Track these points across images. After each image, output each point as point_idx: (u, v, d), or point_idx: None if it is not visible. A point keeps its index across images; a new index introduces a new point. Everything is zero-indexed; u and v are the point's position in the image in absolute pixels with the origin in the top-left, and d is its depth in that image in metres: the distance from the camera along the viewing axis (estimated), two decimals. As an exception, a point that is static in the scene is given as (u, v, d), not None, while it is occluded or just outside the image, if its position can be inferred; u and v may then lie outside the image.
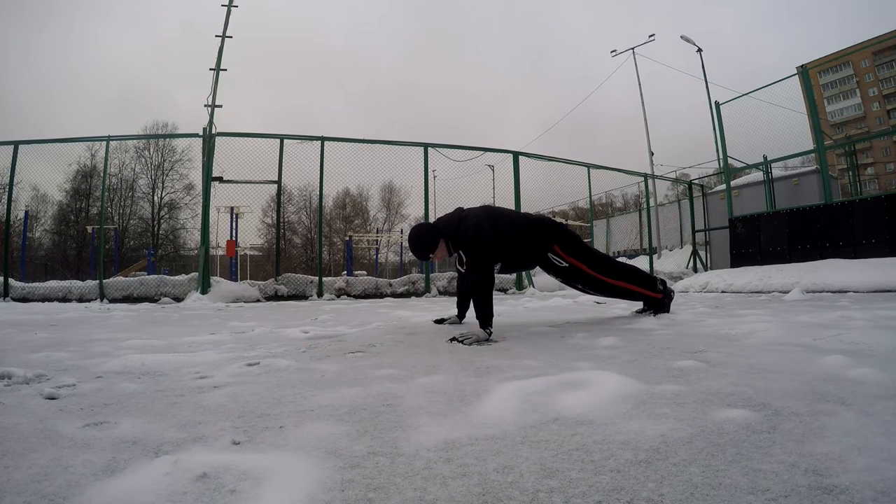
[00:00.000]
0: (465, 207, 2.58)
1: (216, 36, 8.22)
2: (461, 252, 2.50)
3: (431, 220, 7.95)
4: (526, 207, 9.23)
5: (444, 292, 8.03)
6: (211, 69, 8.14)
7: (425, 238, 2.43)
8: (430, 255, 2.45)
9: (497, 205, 10.02)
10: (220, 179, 7.50)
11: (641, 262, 11.74)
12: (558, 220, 3.34)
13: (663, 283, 2.91)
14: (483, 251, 2.28)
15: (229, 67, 8.32)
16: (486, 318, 2.12)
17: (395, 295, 7.83)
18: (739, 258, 8.39)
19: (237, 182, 7.69)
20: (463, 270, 2.65)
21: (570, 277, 2.69)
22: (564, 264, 2.63)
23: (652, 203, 12.59)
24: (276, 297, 7.34)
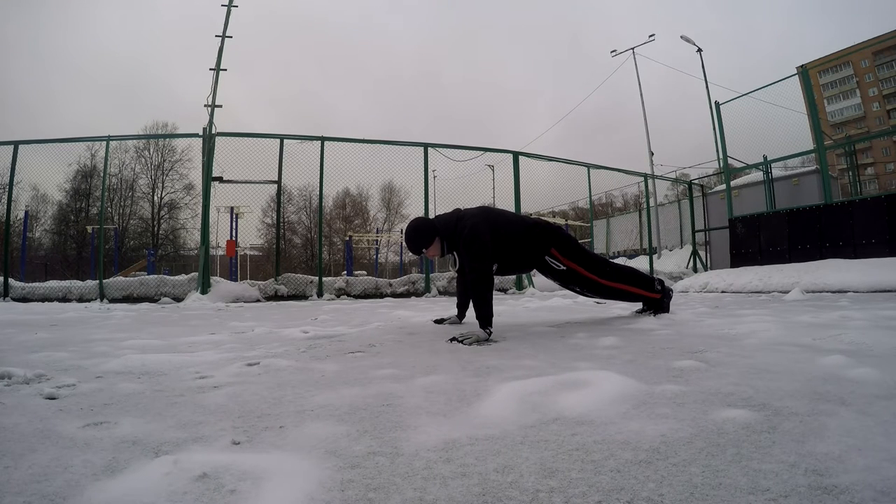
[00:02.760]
0: (462, 208, 2.58)
1: (216, 36, 8.22)
2: (454, 253, 2.50)
3: (431, 220, 7.96)
4: (527, 207, 9.23)
5: (444, 292, 8.03)
6: (211, 69, 8.14)
7: (422, 232, 2.43)
8: (423, 251, 2.44)
9: (497, 205, 10.02)
10: (220, 179, 7.50)
11: (641, 263, 11.75)
12: (558, 220, 3.34)
13: (661, 282, 2.91)
14: (480, 251, 2.28)
15: (237, 59, 8.34)
16: (485, 317, 2.12)
17: (395, 295, 7.83)
18: (739, 258, 8.39)
19: (237, 182, 7.70)
20: (454, 271, 2.65)
21: (568, 280, 2.69)
22: (562, 267, 2.63)
23: (652, 203, 12.59)
24: (276, 297, 7.34)
